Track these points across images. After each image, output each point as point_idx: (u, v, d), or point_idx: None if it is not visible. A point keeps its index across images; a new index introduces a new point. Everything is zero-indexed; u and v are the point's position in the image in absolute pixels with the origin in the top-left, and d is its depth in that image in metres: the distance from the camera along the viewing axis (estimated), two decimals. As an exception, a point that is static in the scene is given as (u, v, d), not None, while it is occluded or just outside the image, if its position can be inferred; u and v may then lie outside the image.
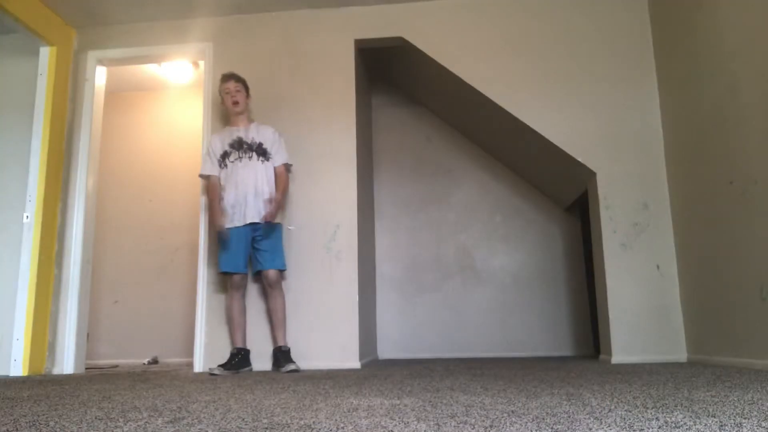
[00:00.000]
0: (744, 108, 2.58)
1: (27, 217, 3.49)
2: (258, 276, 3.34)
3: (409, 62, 4.06)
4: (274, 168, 3.34)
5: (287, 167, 3.41)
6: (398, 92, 4.78)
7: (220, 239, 3.25)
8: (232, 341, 3.28)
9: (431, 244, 4.51)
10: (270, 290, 3.26)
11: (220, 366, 3.09)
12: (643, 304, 3.24)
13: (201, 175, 3.42)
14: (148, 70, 4.72)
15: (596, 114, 3.48)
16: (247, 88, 3.42)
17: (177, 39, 3.83)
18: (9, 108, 3.70)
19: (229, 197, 3.23)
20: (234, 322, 3.25)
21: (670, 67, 3.32)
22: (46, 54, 3.66)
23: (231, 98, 3.34)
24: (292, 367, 3.06)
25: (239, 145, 3.30)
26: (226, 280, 3.33)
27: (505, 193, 4.53)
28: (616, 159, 3.41)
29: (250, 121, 3.45)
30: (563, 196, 4.27)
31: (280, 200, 3.29)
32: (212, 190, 3.31)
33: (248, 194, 3.21)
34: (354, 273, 3.42)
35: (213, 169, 3.34)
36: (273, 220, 3.24)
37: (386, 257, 4.52)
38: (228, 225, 3.22)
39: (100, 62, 3.91)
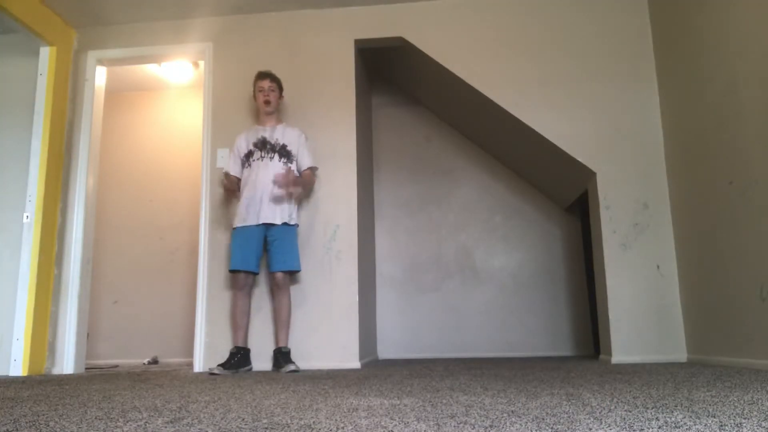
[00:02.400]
0: (744, 108, 2.58)
1: (27, 217, 3.50)
2: (270, 276, 3.34)
3: (409, 62, 4.06)
4: (301, 172, 3.36)
5: (313, 170, 3.42)
6: (398, 92, 4.78)
7: (227, 191, 3.35)
8: (233, 340, 3.28)
9: (431, 244, 4.51)
10: (276, 291, 3.26)
11: (219, 365, 3.09)
12: (643, 304, 3.25)
13: (224, 172, 3.44)
14: (148, 70, 4.72)
15: (596, 114, 3.48)
16: (281, 89, 3.44)
17: (177, 39, 3.83)
18: (9, 108, 3.70)
19: (245, 196, 3.24)
20: (236, 321, 3.25)
21: (670, 67, 3.32)
22: (46, 54, 3.66)
23: (264, 96, 3.34)
24: (291, 367, 3.07)
25: (263, 145, 3.30)
26: (233, 279, 3.32)
27: (505, 193, 4.53)
28: (616, 159, 3.41)
29: (279, 121, 3.44)
30: (563, 196, 4.27)
31: (298, 181, 3.24)
32: (229, 186, 3.36)
33: (264, 194, 3.20)
34: (354, 273, 3.42)
35: (235, 169, 3.36)
36: (285, 185, 3.15)
37: (386, 257, 4.52)
38: (241, 224, 3.22)
39: (100, 62, 3.91)
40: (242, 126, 3.64)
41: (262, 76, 3.37)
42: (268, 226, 3.22)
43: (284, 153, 3.30)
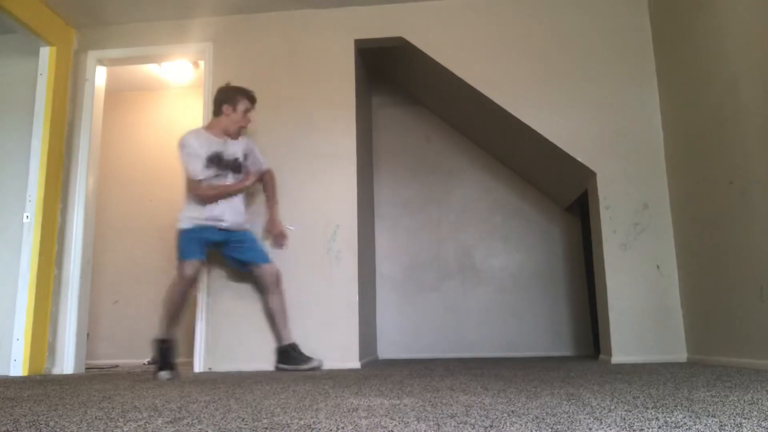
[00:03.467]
0: (744, 108, 2.58)
1: (27, 217, 3.49)
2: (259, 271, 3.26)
3: (409, 62, 4.06)
4: (263, 174, 3.36)
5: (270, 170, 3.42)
6: (398, 92, 4.78)
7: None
8: (166, 330, 3.01)
9: (431, 244, 4.51)
10: (273, 288, 3.23)
11: (164, 371, 2.86)
12: (643, 304, 3.24)
13: (195, 178, 3.15)
14: (148, 70, 4.72)
15: (596, 114, 3.48)
16: None
17: (177, 39, 3.83)
18: (9, 108, 3.70)
19: (201, 202, 3.14)
20: (178, 312, 3.04)
21: (670, 67, 3.32)
22: (46, 54, 3.66)
23: (248, 121, 3.29)
24: (315, 363, 3.12)
25: (218, 161, 3.15)
26: (185, 268, 3.10)
27: (505, 193, 4.53)
28: (616, 159, 3.41)
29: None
30: (563, 196, 4.27)
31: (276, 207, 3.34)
32: (209, 186, 3.13)
33: (225, 212, 3.14)
34: (354, 273, 3.42)
35: (203, 171, 3.12)
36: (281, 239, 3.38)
37: (386, 257, 4.52)
38: (199, 224, 3.12)
39: (100, 62, 3.91)
40: (242, 126, 3.64)
41: (255, 100, 3.28)
42: (227, 233, 3.18)
43: (237, 167, 3.21)
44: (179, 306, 3.06)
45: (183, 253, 3.13)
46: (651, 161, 3.39)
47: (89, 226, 3.75)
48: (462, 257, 4.47)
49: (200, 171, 3.11)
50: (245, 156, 3.28)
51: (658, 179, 3.37)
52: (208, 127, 3.27)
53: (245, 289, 3.44)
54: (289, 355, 3.19)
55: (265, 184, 3.42)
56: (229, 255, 3.28)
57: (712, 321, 2.92)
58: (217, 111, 3.25)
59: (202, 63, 4.09)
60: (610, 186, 3.39)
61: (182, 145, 3.16)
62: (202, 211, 3.14)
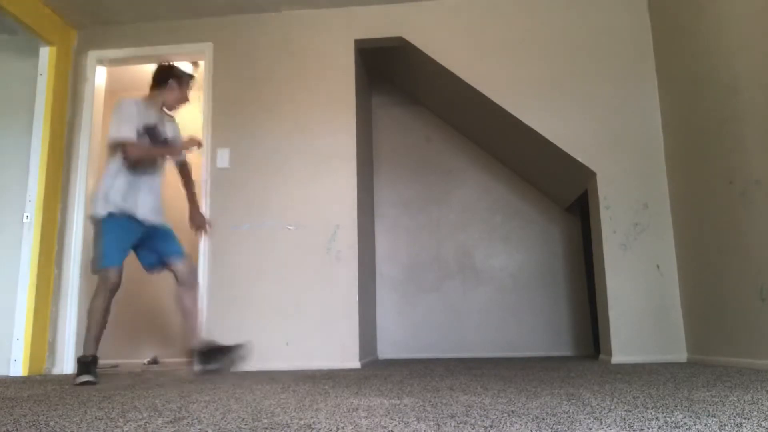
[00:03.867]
0: (744, 108, 2.58)
1: (27, 217, 3.50)
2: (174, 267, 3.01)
3: (409, 62, 4.06)
4: (183, 162, 3.16)
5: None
6: (398, 92, 4.78)
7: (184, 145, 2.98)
8: (92, 347, 2.72)
9: (431, 244, 4.51)
10: (191, 282, 2.99)
11: (87, 375, 2.64)
12: (643, 304, 3.24)
13: (121, 140, 2.77)
14: (148, 70, 4.71)
15: (596, 114, 3.48)
16: None
17: (177, 39, 3.84)
18: (9, 108, 3.70)
19: (120, 184, 2.80)
20: (101, 327, 2.75)
21: (670, 67, 3.32)
22: (46, 54, 3.66)
23: (187, 99, 3.08)
24: (243, 348, 2.89)
25: (152, 134, 2.89)
26: (105, 277, 2.76)
27: (505, 193, 4.53)
28: (616, 159, 3.41)
29: (163, 111, 3.06)
30: (563, 196, 4.27)
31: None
32: (139, 145, 2.81)
33: (141, 190, 2.86)
34: (354, 273, 3.42)
35: (132, 132, 2.79)
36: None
37: (386, 257, 4.52)
38: (116, 210, 2.77)
39: (100, 62, 3.91)
40: (242, 126, 3.65)
41: (193, 79, 3.13)
42: (142, 224, 2.88)
43: None
44: (104, 322, 2.76)
45: (105, 258, 2.76)
46: (651, 161, 3.40)
47: (89, 226, 3.74)
48: (462, 257, 4.47)
49: (126, 129, 2.79)
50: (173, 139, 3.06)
51: (658, 179, 3.37)
52: (146, 99, 2.99)
53: (244, 289, 3.44)
54: (212, 354, 2.89)
55: (183, 175, 3.23)
56: (147, 247, 2.97)
57: (712, 321, 2.92)
58: (162, 83, 3.01)
59: (202, 63, 4.09)
60: (610, 186, 3.39)
61: (118, 107, 2.83)
62: (117, 201, 2.78)
